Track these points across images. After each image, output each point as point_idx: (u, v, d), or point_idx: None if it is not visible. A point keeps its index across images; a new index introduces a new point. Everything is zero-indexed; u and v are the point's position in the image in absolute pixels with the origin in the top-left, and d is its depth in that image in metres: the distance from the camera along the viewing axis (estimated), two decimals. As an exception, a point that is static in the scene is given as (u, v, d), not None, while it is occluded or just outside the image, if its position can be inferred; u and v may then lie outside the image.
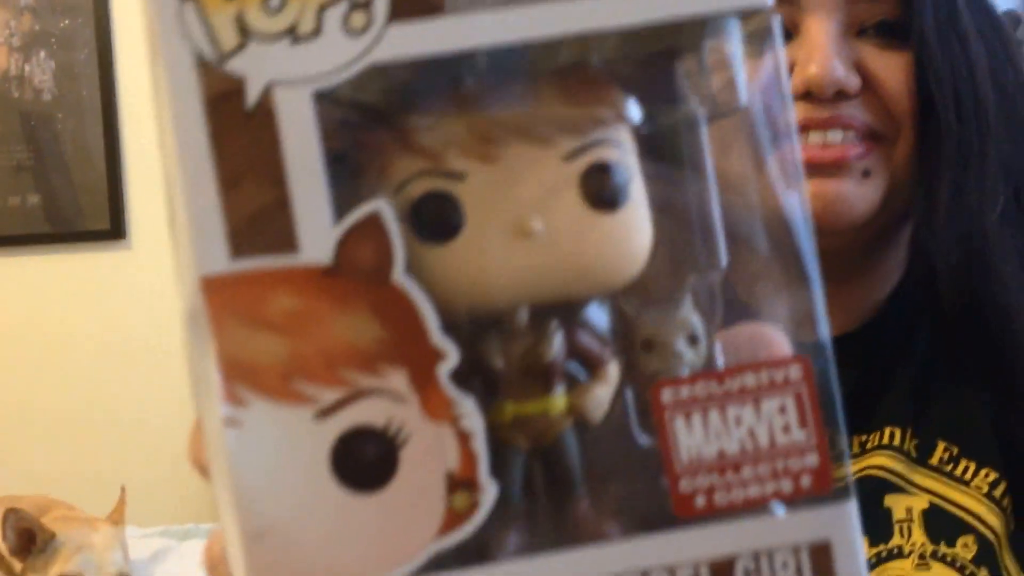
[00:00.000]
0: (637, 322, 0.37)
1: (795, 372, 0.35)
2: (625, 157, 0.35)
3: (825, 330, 0.37)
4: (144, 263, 2.88)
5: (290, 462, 0.33)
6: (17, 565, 2.21)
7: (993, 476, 0.84)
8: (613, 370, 0.37)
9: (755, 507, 0.35)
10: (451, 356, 0.33)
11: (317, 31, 0.31)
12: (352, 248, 0.32)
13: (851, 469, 0.39)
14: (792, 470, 0.35)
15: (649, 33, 0.35)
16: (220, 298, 0.32)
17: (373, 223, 0.32)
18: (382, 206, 0.32)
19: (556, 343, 0.36)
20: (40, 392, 2.91)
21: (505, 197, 0.33)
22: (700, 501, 0.35)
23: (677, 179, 0.37)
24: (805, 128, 0.83)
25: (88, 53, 2.85)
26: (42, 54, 2.85)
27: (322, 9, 0.31)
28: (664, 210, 0.37)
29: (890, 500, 0.86)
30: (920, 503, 0.86)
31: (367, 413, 0.33)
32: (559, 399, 0.36)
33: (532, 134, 0.34)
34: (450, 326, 0.33)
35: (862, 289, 0.90)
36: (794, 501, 0.35)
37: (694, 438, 0.35)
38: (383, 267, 0.32)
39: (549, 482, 0.37)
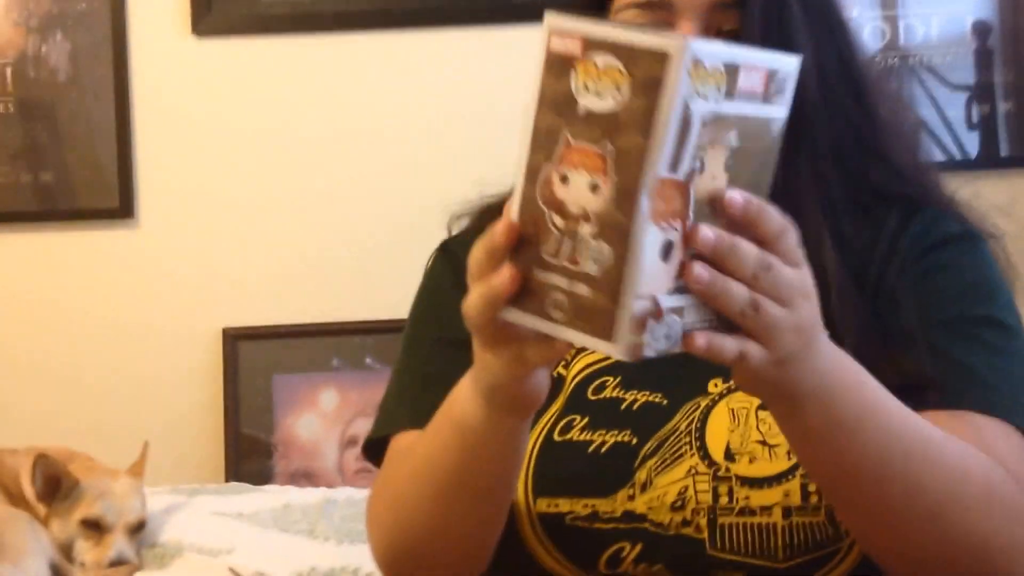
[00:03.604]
0: None
1: None
2: None
3: None
4: (152, 241, 2.95)
5: (654, 247, 0.97)
6: (42, 510, 2.32)
7: None
8: None
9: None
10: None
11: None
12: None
13: None
14: None
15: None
16: (659, 186, 0.96)
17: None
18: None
19: None
20: (47, 372, 2.91)
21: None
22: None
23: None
24: None
25: (103, 35, 2.91)
26: (58, 35, 2.91)
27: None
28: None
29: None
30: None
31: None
32: None
33: None
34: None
35: None
36: None
37: None
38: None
39: None
